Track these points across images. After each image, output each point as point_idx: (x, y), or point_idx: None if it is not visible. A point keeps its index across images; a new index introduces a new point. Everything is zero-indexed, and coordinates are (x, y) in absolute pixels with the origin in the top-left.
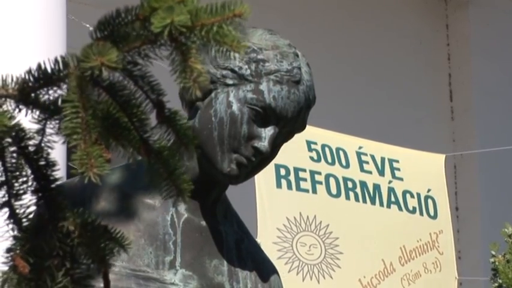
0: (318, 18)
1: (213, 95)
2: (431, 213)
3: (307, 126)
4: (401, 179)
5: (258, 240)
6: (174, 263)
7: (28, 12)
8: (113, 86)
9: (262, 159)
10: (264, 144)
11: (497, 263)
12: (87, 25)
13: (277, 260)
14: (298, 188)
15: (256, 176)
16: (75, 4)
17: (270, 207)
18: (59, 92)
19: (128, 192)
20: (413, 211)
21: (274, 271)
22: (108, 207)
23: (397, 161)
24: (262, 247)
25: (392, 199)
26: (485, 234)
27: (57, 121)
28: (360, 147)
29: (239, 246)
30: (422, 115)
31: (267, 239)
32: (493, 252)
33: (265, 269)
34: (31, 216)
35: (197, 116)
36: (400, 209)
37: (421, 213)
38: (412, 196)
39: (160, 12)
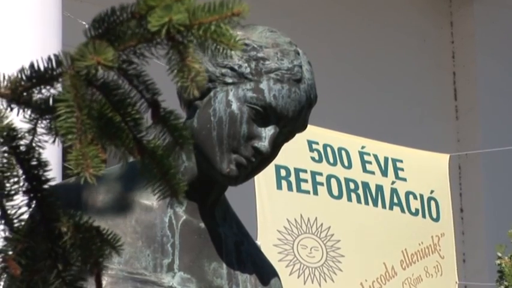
0: (319, 16)
1: (211, 94)
2: (434, 215)
3: (309, 126)
4: (404, 180)
5: (258, 242)
6: (172, 265)
7: (24, 9)
8: (107, 85)
9: (263, 159)
10: (264, 144)
11: (503, 265)
12: (83, 22)
13: (278, 263)
14: (299, 189)
15: (256, 177)
16: (71, 1)
17: (270, 208)
18: (52, 91)
19: (124, 194)
20: (416, 213)
21: (274, 274)
22: (104, 208)
23: (401, 161)
24: (262, 249)
25: (395, 201)
26: (490, 236)
27: (48, 120)
28: (363, 147)
29: (239, 249)
30: (426, 114)
31: (267, 241)
32: (499, 254)
33: (265, 272)
34: (23, 217)
35: (195, 115)
36: (402, 210)
37: (424, 216)
38: (415, 197)
39: (158, 10)
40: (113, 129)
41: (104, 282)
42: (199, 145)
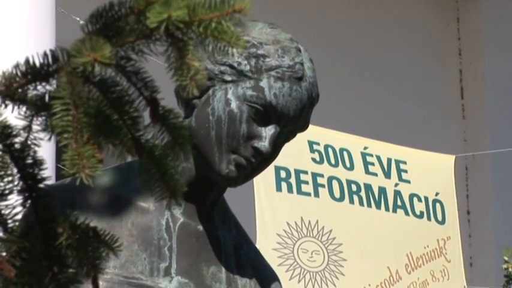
0: (321, 11)
1: (210, 92)
2: (439, 218)
3: (309, 126)
4: (408, 182)
5: (257, 246)
6: (169, 269)
7: (17, 5)
8: (104, 82)
9: (263, 160)
10: (264, 144)
11: (510, 270)
12: (77, 18)
13: (278, 267)
14: (300, 192)
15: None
16: None
17: (270, 211)
18: (48, 87)
19: (120, 195)
20: (421, 216)
21: (275, 278)
22: (99, 210)
23: (405, 162)
24: (262, 253)
25: (399, 203)
26: (498, 239)
27: (44, 117)
28: (365, 148)
29: (238, 252)
30: (432, 113)
31: (266, 245)
32: (506, 258)
33: (265, 276)
34: (17, 217)
35: (194, 114)
36: (406, 213)
37: (429, 218)
38: (419, 200)
39: (157, 6)
40: (110, 128)
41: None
42: (197, 145)
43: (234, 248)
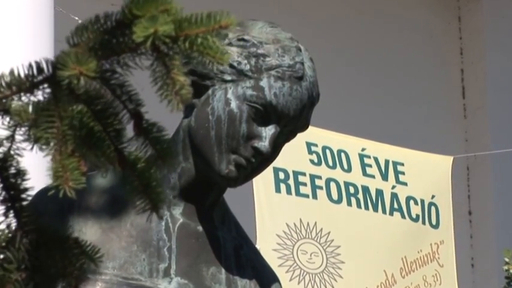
0: (321, 10)
1: (210, 91)
2: (434, 222)
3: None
4: (405, 184)
5: (257, 246)
6: (168, 270)
7: (15, 4)
8: (89, 94)
9: (263, 160)
10: (264, 144)
11: (511, 271)
12: (76, 17)
13: (278, 268)
14: (298, 193)
15: (254, 180)
16: None
17: (269, 212)
18: (32, 98)
19: (119, 196)
20: (416, 219)
21: (275, 279)
22: (98, 211)
23: (402, 164)
24: (262, 254)
25: (395, 206)
26: (499, 240)
27: (27, 128)
28: (363, 149)
29: (238, 253)
30: (433, 113)
31: (266, 246)
32: (507, 259)
33: (265, 277)
34: None
35: (193, 114)
36: (403, 216)
37: (424, 222)
38: (415, 203)
39: (144, 21)
40: (94, 139)
41: None
42: (197, 145)
43: (234, 248)
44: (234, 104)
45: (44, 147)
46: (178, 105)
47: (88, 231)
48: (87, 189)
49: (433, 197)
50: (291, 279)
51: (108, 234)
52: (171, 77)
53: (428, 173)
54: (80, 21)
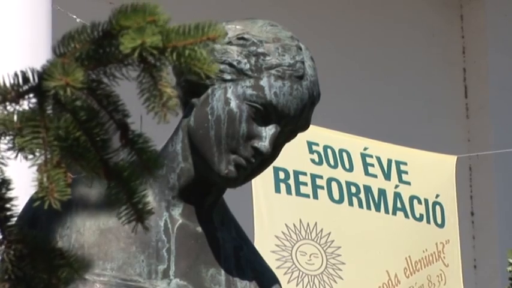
0: (322, 8)
1: (209, 91)
2: (439, 221)
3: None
4: (408, 183)
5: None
6: (167, 272)
7: (13, 2)
8: (75, 103)
9: (263, 160)
10: (264, 144)
11: None
12: (74, 16)
13: (276, 270)
14: (298, 193)
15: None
16: None
17: (268, 213)
18: (18, 108)
19: None
20: (420, 219)
21: (275, 281)
22: (96, 212)
23: (405, 164)
24: None
25: (399, 205)
26: (502, 241)
27: (11, 137)
28: (365, 149)
29: (237, 254)
30: (435, 113)
31: (264, 248)
32: (511, 260)
33: (265, 279)
34: None
35: (192, 114)
36: (406, 216)
37: (428, 221)
38: (419, 202)
39: (131, 32)
40: (80, 150)
41: None
42: (196, 145)
43: (234, 249)
44: (233, 104)
45: (29, 156)
46: (165, 117)
47: (86, 232)
48: (86, 189)
49: (437, 196)
50: (289, 281)
51: (106, 235)
52: (158, 89)
53: (432, 172)
54: (78, 20)
